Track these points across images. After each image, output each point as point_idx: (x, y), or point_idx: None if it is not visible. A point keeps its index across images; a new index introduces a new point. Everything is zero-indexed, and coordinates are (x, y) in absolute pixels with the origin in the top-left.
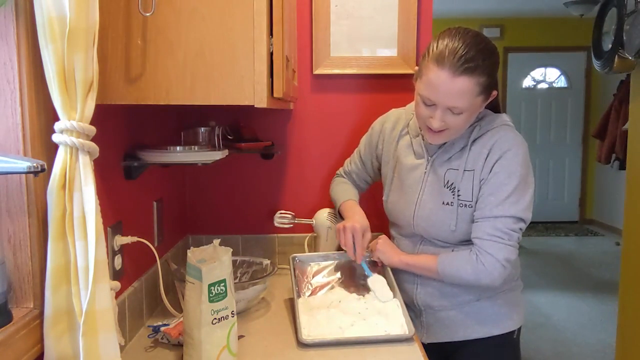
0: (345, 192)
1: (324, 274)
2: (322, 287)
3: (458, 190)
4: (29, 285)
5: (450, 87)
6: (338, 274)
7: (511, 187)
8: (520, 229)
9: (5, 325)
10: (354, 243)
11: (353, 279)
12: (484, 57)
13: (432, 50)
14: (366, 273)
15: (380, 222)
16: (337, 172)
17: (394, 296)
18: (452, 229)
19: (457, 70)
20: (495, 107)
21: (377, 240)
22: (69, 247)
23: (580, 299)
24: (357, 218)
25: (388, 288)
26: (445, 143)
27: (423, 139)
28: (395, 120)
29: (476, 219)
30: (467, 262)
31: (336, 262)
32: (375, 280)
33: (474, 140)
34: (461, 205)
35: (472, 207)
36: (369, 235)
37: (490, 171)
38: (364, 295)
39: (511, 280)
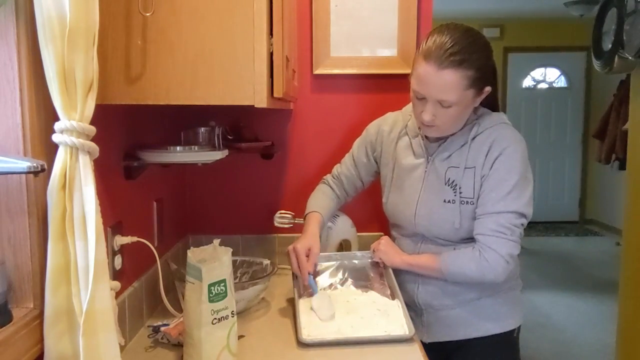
0: (314, 202)
1: (326, 275)
2: (323, 288)
3: (460, 188)
4: (29, 285)
5: (436, 80)
6: (339, 275)
7: (512, 182)
8: (522, 224)
9: (5, 325)
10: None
11: (354, 280)
12: (472, 51)
13: (422, 46)
14: (314, 291)
15: (380, 223)
16: (324, 178)
17: (333, 315)
18: (456, 227)
19: (443, 63)
20: (493, 106)
21: (379, 241)
22: (69, 247)
23: (580, 299)
24: (302, 239)
25: (331, 306)
26: (444, 142)
27: (422, 139)
28: (393, 122)
29: (478, 215)
30: (471, 260)
31: (338, 262)
32: (318, 298)
33: (474, 138)
34: (463, 202)
35: (473, 204)
36: (314, 250)
37: (491, 168)
38: (365, 295)
39: (511, 279)
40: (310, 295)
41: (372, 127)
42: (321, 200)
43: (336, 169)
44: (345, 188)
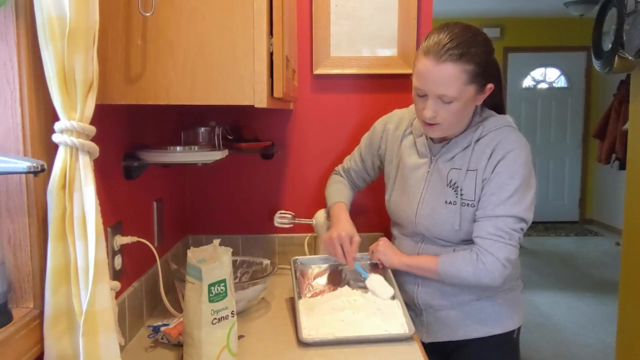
0: (337, 192)
1: (325, 276)
2: (323, 289)
3: (461, 190)
4: (29, 285)
5: (435, 74)
6: (339, 276)
7: (513, 187)
8: (522, 229)
9: (5, 325)
10: (343, 251)
11: (353, 281)
12: (470, 46)
13: (422, 44)
14: (363, 276)
15: (381, 221)
16: (336, 169)
17: (394, 294)
18: (456, 229)
19: (441, 57)
20: (499, 109)
21: (378, 242)
22: (69, 247)
23: (580, 299)
24: (341, 225)
25: (387, 284)
26: (448, 143)
27: (426, 139)
28: (399, 120)
29: (478, 218)
30: (468, 262)
31: (337, 264)
32: (373, 280)
33: (477, 140)
34: (464, 204)
35: (474, 206)
36: (356, 238)
37: (493, 171)
38: (364, 295)
39: (511, 280)
40: (342, 277)
41: (378, 124)
42: (340, 190)
43: (346, 162)
44: (354, 181)
